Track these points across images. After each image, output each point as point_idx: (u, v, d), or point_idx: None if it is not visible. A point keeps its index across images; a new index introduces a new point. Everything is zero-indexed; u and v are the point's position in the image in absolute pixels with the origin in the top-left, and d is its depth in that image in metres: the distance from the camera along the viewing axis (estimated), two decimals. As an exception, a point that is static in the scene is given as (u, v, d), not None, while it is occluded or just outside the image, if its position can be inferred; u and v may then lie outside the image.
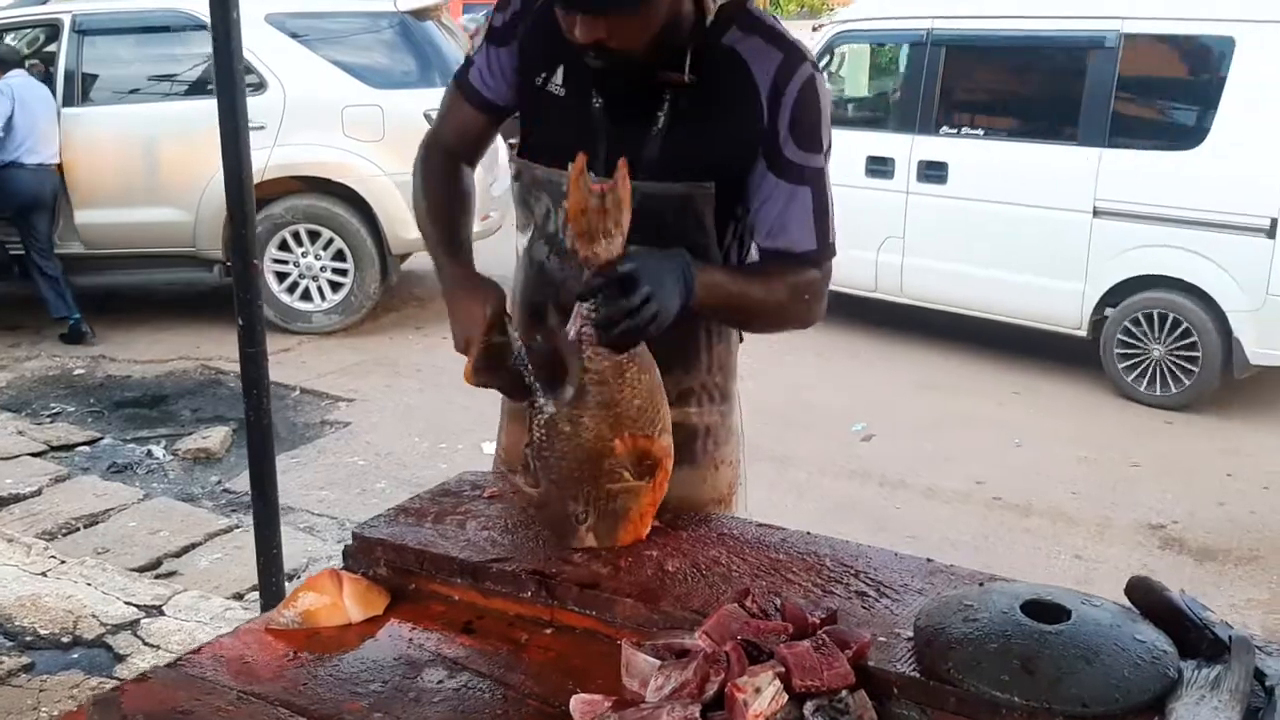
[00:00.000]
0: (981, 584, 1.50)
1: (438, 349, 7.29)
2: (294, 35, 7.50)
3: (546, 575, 1.55)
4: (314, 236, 7.49)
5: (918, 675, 1.32)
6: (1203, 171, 6.03)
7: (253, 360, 3.17)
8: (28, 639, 3.53)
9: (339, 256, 7.51)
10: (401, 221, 7.44)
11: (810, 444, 5.61)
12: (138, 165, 7.40)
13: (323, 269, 7.52)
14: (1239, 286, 5.98)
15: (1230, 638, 1.32)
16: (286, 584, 3.54)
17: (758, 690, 1.25)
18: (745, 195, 1.83)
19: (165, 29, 7.66)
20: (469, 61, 1.96)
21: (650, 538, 1.67)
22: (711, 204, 1.81)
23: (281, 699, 1.36)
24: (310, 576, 1.60)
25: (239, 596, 4.07)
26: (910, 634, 1.40)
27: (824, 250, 1.84)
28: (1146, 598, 1.41)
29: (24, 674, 3.33)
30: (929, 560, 1.61)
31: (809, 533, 1.69)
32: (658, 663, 1.36)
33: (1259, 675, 1.28)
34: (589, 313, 1.61)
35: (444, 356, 7.50)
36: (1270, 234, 5.84)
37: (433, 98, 7.41)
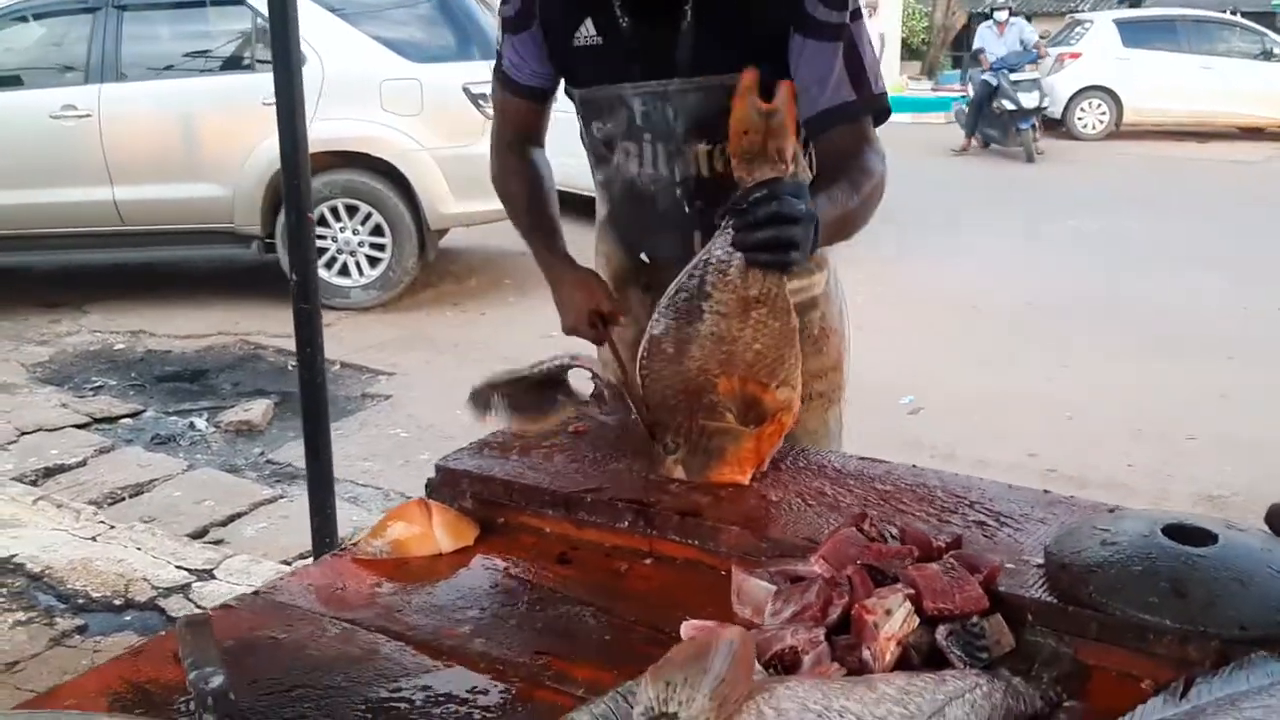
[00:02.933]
0: (1112, 510, 1.42)
1: (475, 325, 7.24)
2: (332, 9, 7.45)
3: (645, 504, 1.48)
4: (351, 211, 7.44)
5: (1055, 601, 1.24)
6: None
7: (306, 317, 3.12)
8: (80, 601, 3.49)
9: (377, 231, 7.46)
10: (440, 196, 7.40)
11: (857, 418, 5.50)
12: (175, 141, 7.37)
13: (360, 244, 7.47)
14: None
15: (1391, 561, 1.23)
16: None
17: (888, 612, 1.17)
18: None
19: (201, 3, 7.63)
20: (499, 57, 2.01)
21: (747, 471, 1.59)
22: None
23: (378, 625, 1.29)
24: (398, 506, 1.53)
25: (286, 563, 4.02)
26: (1040, 562, 1.32)
27: (866, 100, 1.80)
28: (1292, 525, 1.32)
29: (78, 635, 3.29)
30: (1046, 491, 1.53)
31: (914, 466, 1.61)
32: (772, 588, 1.28)
33: None
34: (733, 226, 1.52)
35: (482, 332, 7.49)
36: None
37: (471, 71, 7.55)
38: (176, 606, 3.47)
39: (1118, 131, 16.32)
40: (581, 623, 1.31)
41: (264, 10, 7.19)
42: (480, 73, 7.42)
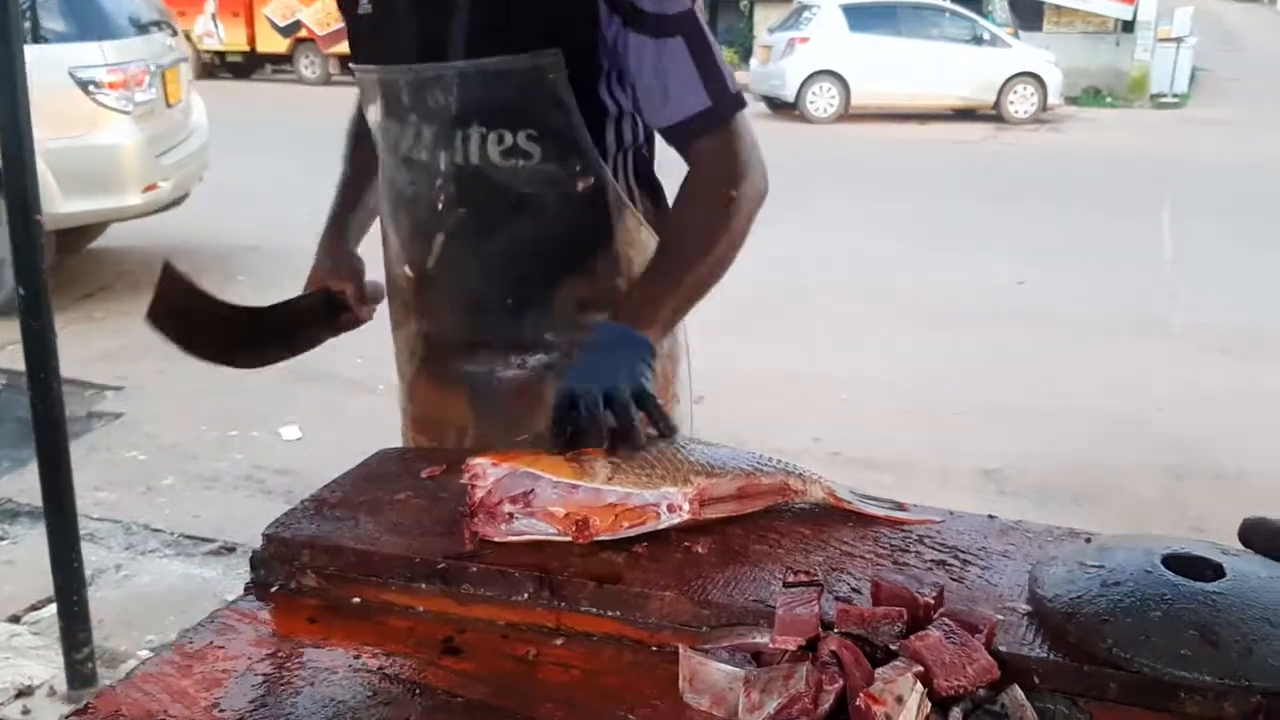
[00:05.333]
0: (1088, 540, 1.25)
1: (214, 329, 6.64)
2: None
3: (548, 570, 1.20)
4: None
5: (1065, 659, 1.06)
6: None
7: (38, 337, 2.63)
8: None
9: None
10: (47, 194, 6.55)
11: (638, 410, 5.35)
12: None
13: None
14: None
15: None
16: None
17: (900, 699, 0.95)
18: (616, 59, 1.56)
19: None
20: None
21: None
22: (563, 74, 1.53)
23: (230, 773, 0.97)
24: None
25: (15, 619, 3.47)
26: (1026, 608, 1.13)
27: (722, 105, 1.55)
28: (1274, 542, 1.19)
29: None
30: (991, 517, 1.36)
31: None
32: (736, 671, 1.04)
33: None
34: None
35: (224, 336, 6.85)
36: None
37: (81, 53, 6.70)
38: (-118, 694, 2.90)
39: (847, 114, 16.99)
40: (501, 739, 1.03)
41: None
42: (91, 55, 6.71)
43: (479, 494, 1.22)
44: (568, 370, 1.41)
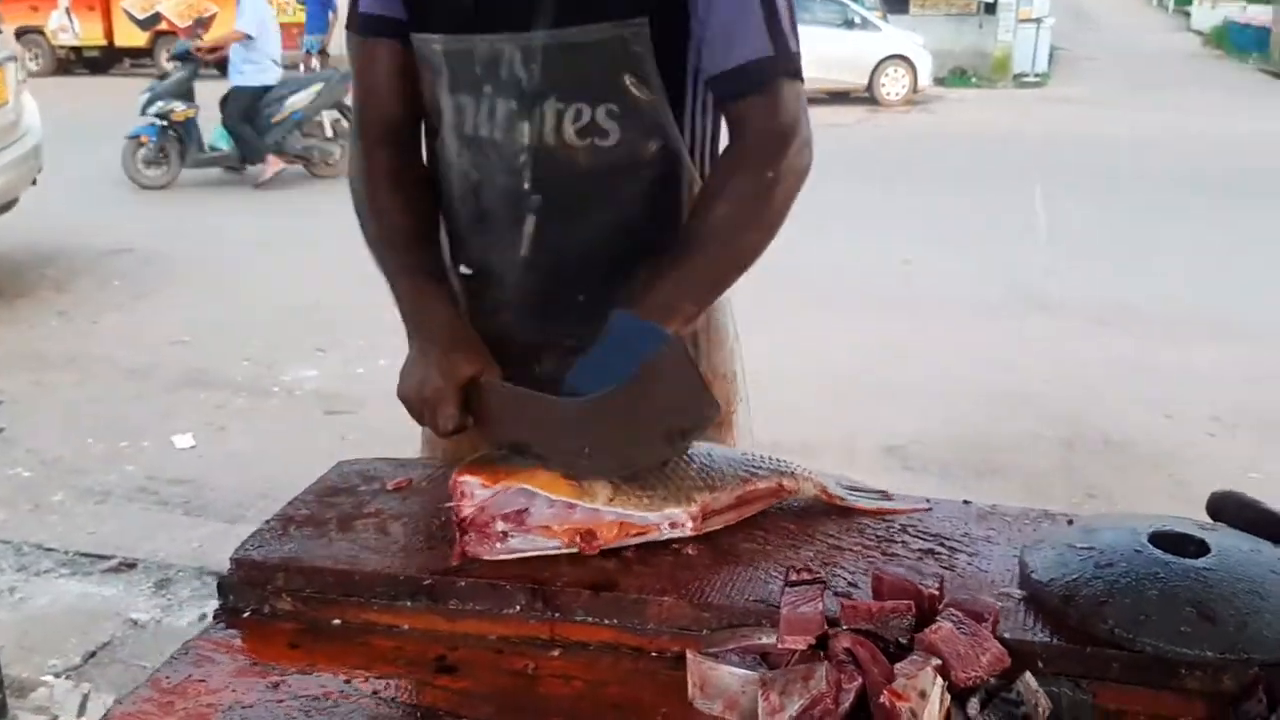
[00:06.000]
0: (1070, 521, 1.27)
1: (90, 335, 6.37)
2: None
3: (540, 582, 1.17)
4: None
5: (1067, 642, 1.07)
6: None
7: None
8: None
9: None
10: None
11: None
12: None
13: None
14: None
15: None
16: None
17: (923, 694, 0.96)
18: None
19: None
20: (354, 4, 1.56)
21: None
22: (648, 46, 1.45)
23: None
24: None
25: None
26: (1021, 592, 1.15)
27: (784, 56, 1.45)
28: (1242, 514, 1.23)
29: None
30: (966, 502, 1.38)
31: (811, 482, 1.41)
32: (748, 674, 1.03)
33: None
34: None
35: (99, 344, 6.60)
36: None
37: None
38: None
39: (725, 98, 17.08)
40: (516, 759, 1.00)
41: None
42: None
43: (466, 510, 1.18)
44: (574, 368, 1.29)
